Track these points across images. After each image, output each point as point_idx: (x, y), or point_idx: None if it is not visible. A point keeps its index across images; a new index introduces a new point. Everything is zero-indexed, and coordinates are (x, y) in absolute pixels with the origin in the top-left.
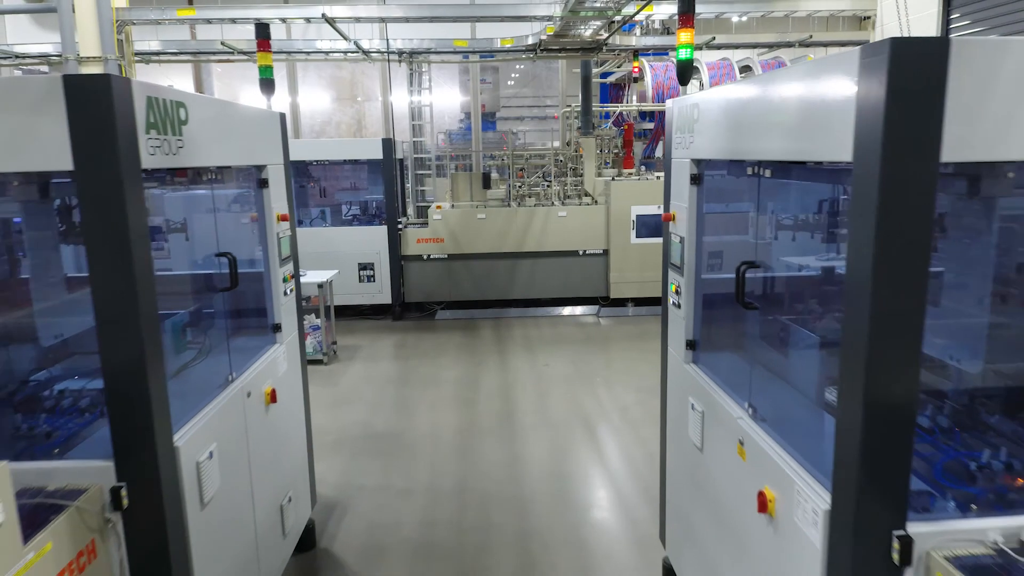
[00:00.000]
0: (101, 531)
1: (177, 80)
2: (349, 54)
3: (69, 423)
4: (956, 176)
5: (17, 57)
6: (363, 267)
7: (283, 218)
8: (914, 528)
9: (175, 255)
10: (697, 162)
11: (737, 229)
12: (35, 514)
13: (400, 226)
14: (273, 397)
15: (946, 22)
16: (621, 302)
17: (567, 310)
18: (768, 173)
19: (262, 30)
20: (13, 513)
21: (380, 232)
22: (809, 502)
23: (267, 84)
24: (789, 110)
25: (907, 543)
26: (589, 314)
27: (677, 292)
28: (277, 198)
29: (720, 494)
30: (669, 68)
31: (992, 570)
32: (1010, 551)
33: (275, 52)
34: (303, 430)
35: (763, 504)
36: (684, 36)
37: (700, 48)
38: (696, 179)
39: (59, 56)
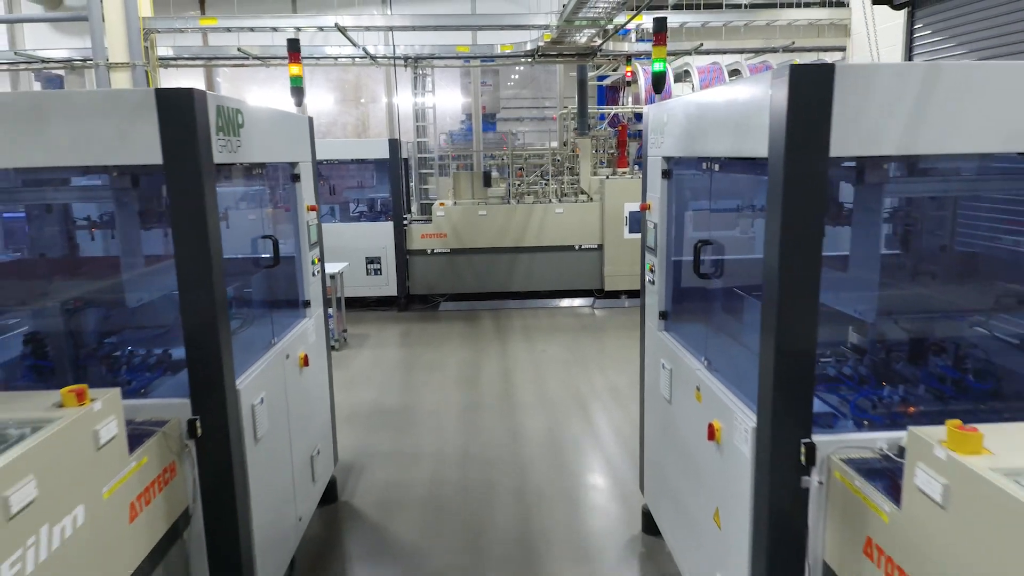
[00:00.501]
0: (179, 454)
1: (189, 82)
2: (357, 59)
3: (148, 371)
4: (848, 167)
5: (43, 62)
6: (370, 261)
7: (312, 208)
8: (818, 438)
9: (232, 236)
10: (667, 159)
11: (699, 216)
12: (131, 438)
13: (405, 222)
14: (305, 361)
15: (910, 31)
16: (615, 294)
17: (564, 302)
18: (717, 167)
19: (293, 44)
20: (123, 430)
21: (387, 228)
22: (742, 424)
23: (297, 91)
24: (729, 117)
25: (811, 448)
26: (585, 305)
27: (652, 271)
28: (307, 191)
29: (683, 435)
30: None
31: (875, 468)
32: (892, 455)
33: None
34: (327, 396)
35: (711, 433)
36: (657, 52)
37: (689, 53)
38: (667, 174)
39: (81, 60)
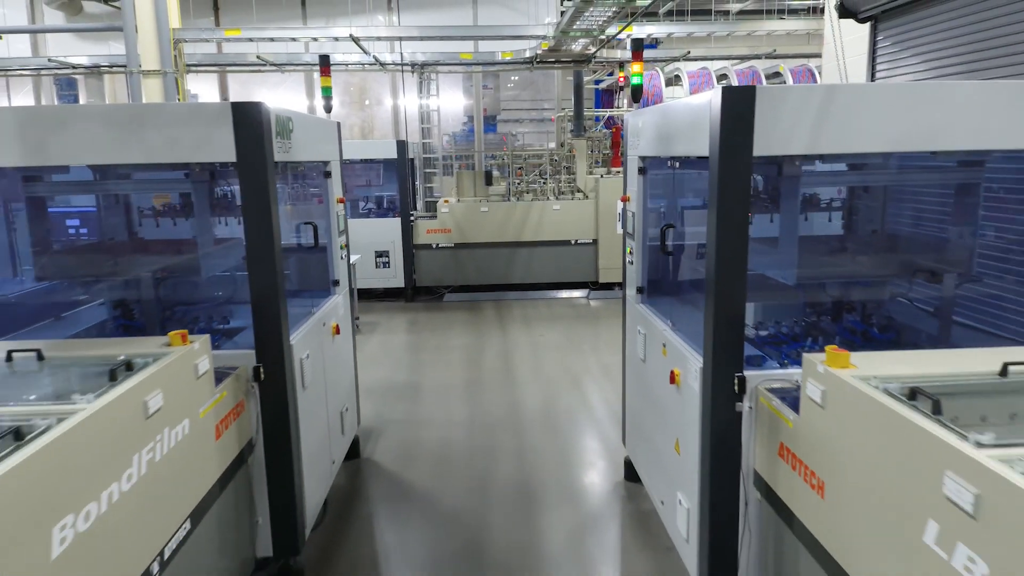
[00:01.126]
0: (247, 394)
1: (203, 86)
2: (367, 66)
3: (218, 330)
4: (768, 163)
5: (73, 68)
6: (379, 254)
7: (340, 201)
8: (748, 373)
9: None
10: (642, 158)
11: (668, 206)
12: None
13: (412, 218)
14: (337, 330)
15: (873, 44)
16: (609, 286)
17: (561, 293)
18: (677, 165)
19: (324, 59)
20: (212, 367)
21: (394, 223)
22: (694, 367)
23: (327, 100)
24: (685, 124)
25: (742, 380)
26: (580, 296)
27: (631, 253)
28: (336, 186)
29: (653, 386)
30: (653, 77)
31: (789, 393)
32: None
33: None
34: (352, 364)
35: (672, 378)
36: (636, 67)
37: (678, 60)
38: (642, 171)
39: (108, 66)
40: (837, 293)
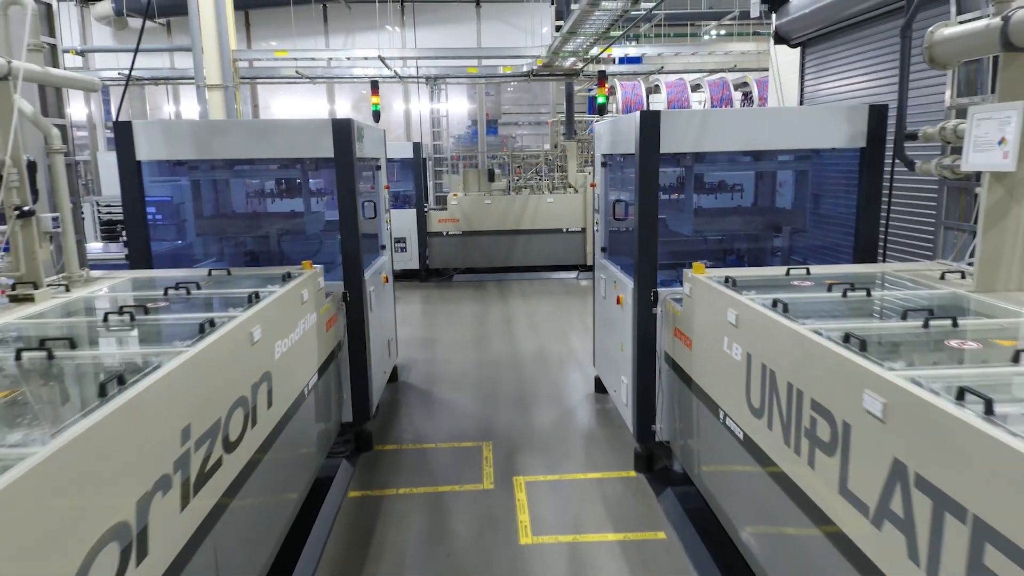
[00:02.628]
0: (339, 309)
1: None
2: (387, 78)
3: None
4: (673, 158)
5: (140, 80)
6: (397, 241)
7: (386, 187)
8: (660, 290)
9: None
10: (603, 155)
11: (618, 188)
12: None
13: (425, 209)
14: (385, 279)
15: (803, 65)
16: None
17: (554, 274)
18: (622, 159)
19: (375, 85)
20: (323, 286)
21: (410, 214)
22: (630, 288)
23: (376, 116)
24: (624, 132)
25: (656, 294)
26: (571, 277)
27: (596, 223)
28: (383, 176)
29: (609, 312)
30: (636, 87)
31: (682, 299)
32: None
33: (333, 78)
34: (392, 309)
35: (619, 300)
36: (600, 90)
37: (656, 72)
38: (603, 164)
39: (177, 78)
40: (716, 239)
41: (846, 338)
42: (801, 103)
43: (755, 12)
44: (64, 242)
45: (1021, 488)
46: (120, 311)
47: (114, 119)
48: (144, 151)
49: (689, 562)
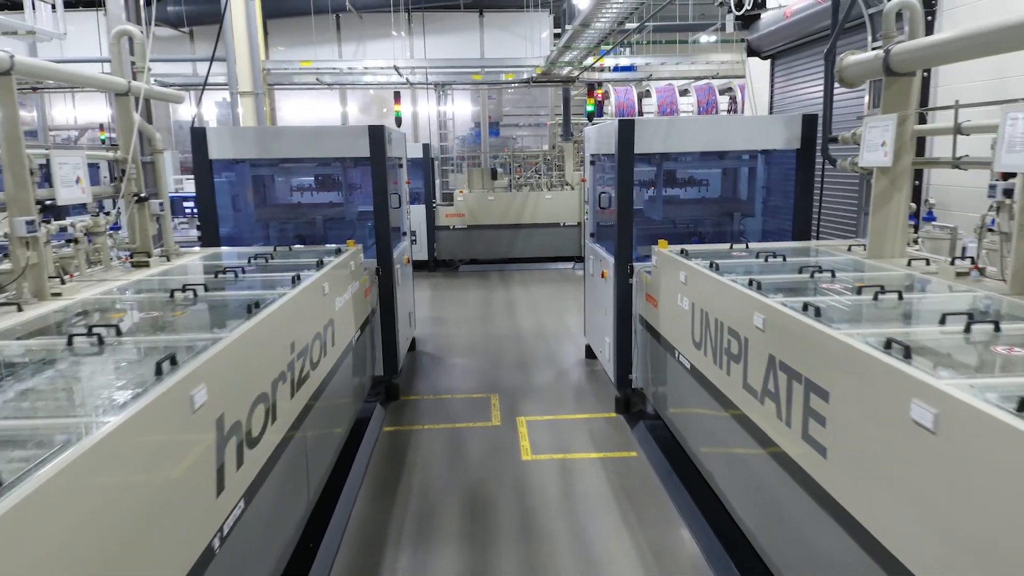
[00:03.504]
0: (372, 282)
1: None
2: (399, 85)
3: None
4: (645, 157)
5: (172, 86)
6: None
7: (408, 182)
8: (635, 264)
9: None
10: (592, 155)
11: (603, 182)
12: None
13: (433, 205)
14: (408, 261)
15: (772, 75)
16: None
17: (552, 265)
18: (606, 158)
19: (397, 95)
20: (362, 263)
21: (420, 209)
22: (611, 264)
23: (398, 121)
24: (606, 135)
25: (632, 268)
26: (567, 267)
27: (586, 213)
28: (404, 173)
29: (596, 286)
30: (628, 92)
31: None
32: None
33: (348, 84)
34: (411, 287)
35: (603, 274)
36: (590, 100)
37: (645, 80)
38: (592, 162)
39: (195, 85)
40: (683, 224)
41: (750, 283)
42: (771, 108)
43: (730, 27)
44: (163, 223)
45: (826, 355)
46: (224, 271)
47: (191, 125)
48: (215, 151)
49: (652, 470)
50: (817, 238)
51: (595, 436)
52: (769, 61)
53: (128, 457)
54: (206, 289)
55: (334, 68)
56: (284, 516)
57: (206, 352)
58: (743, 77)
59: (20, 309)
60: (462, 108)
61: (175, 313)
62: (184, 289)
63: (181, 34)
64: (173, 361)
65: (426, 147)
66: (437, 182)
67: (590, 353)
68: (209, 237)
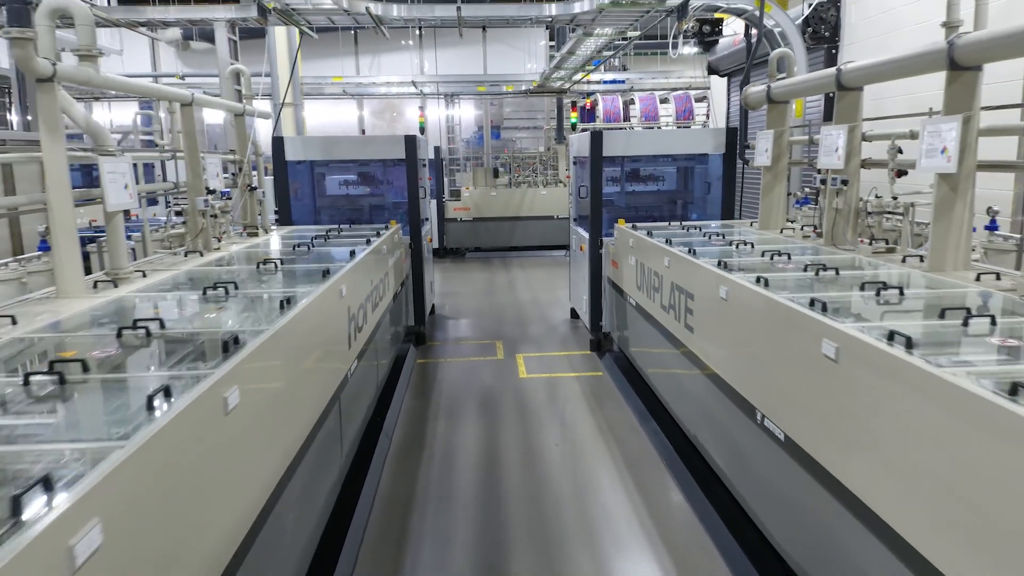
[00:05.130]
0: (406, 253)
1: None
2: (411, 95)
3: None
4: (612, 159)
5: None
6: None
7: (429, 179)
8: (604, 239)
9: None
10: (574, 157)
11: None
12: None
13: (443, 200)
14: (430, 239)
15: (728, 90)
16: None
17: (547, 252)
18: (584, 159)
19: (422, 108)
20: (401, 237)
21: (431, 203)
22: (587, 239)
23: (422, 130)
24: (583, 142)
25: (601, 240)
26: (560, 254)
27: (570, 204)
28: (427, 171)
29: (577, 259)
30: (614, 100)
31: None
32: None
33: (367, 95)
34: (432, 262)
35: (581, 248)
36: (573, 114)
37: (627, 91)
38: (575, 163)
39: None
40: (642, 208)
41: (667, 241)
42: (728, 117)
43: (692, 51)
44: (263, 207)
45: (697, 273)
46: (315, 238)
47: (272, 135)
48: (290, 154)
49: (614, 384)
50: (739, 218)
51: (573, 364)
52: (726, 78)
53: (309, 323)
54: (312, 246)
55: (359, 82)
56: (363, 399)
57: (342, 269)
58: (708, 88)
59: (202, 255)
60: (467, 113)
61: (304, 255)
62: (299, 245)
63: (211, 46)
64: (326, 273)
65: (436, 149)
66: (446, 180)
67: (574, 315)
68: (284, 218)
